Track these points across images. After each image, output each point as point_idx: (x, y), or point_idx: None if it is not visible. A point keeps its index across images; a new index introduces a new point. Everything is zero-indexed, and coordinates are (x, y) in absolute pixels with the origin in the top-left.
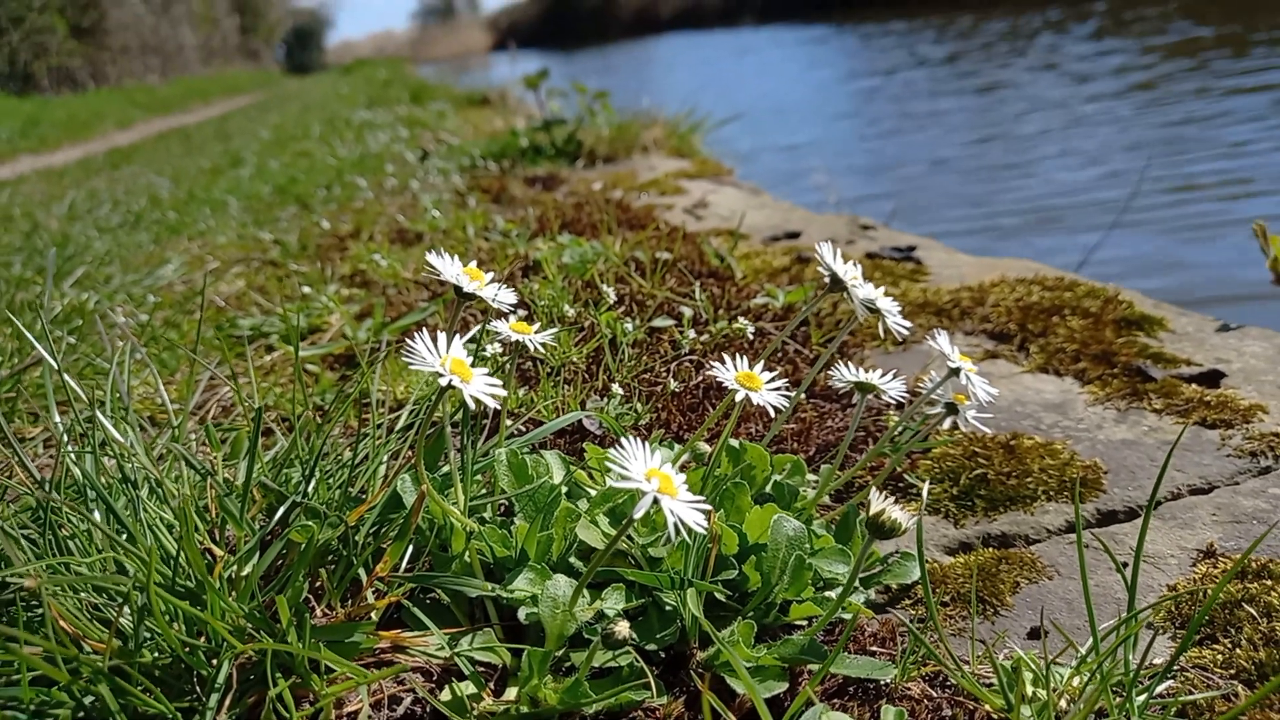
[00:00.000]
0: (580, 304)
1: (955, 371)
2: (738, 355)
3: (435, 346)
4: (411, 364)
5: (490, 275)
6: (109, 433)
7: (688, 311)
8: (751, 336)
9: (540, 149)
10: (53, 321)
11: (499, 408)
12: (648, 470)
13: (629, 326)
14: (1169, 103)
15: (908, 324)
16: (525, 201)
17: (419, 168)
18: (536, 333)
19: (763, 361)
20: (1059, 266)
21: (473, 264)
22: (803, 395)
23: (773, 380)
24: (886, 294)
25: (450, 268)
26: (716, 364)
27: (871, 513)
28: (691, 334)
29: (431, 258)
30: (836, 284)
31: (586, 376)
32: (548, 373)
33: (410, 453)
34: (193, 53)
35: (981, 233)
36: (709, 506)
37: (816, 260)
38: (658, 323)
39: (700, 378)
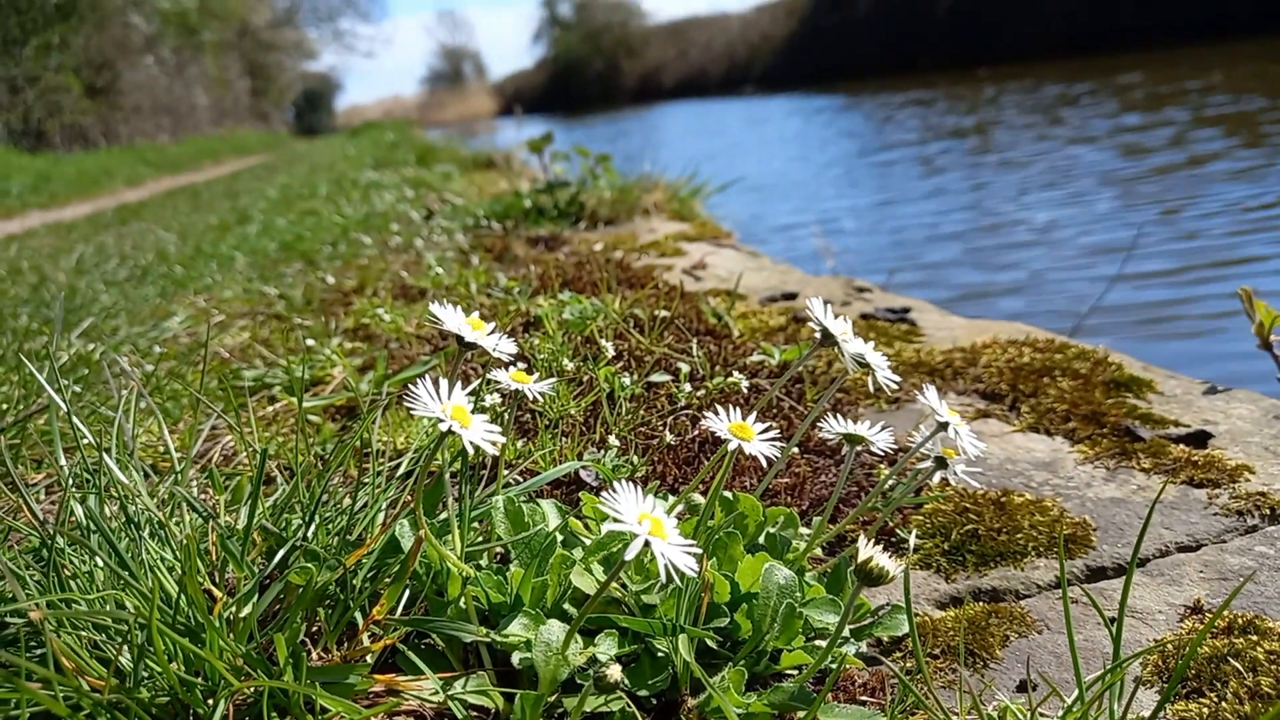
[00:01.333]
0: (579, 359)
1: (944, 426)
2: (732, 408)
3: (437, 394)
4: (414, 410)
5: (491, 327)
6: (114, 475)
7: (685, 367)
8: (746, 391)
9: (543, 210)
10: (59, 370)
11: (497, 456)
12: (640, 514)
13: (626, 381)
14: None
15: (896, 378)
16: (528, 260)
17: (424, 226)
18: (535, 383)
19: (755, 413)
20: (1053, 329)
21: (474, 315)
22: (796, 449)
23: (765, 431)
24: (881, 353)
25: (453, 318)
26: (710, 415)
27: (860, 560)
28: (688, 388)
29: (435, 308)
30: (828, 339)
31: (584, 429)
32: (546, 424)
33: (409, 499)
34: (204, 113)
35: (979, 298)
36: (700, 550)
37: (812, 323)
38: (655, 378)
39: (696, 431)
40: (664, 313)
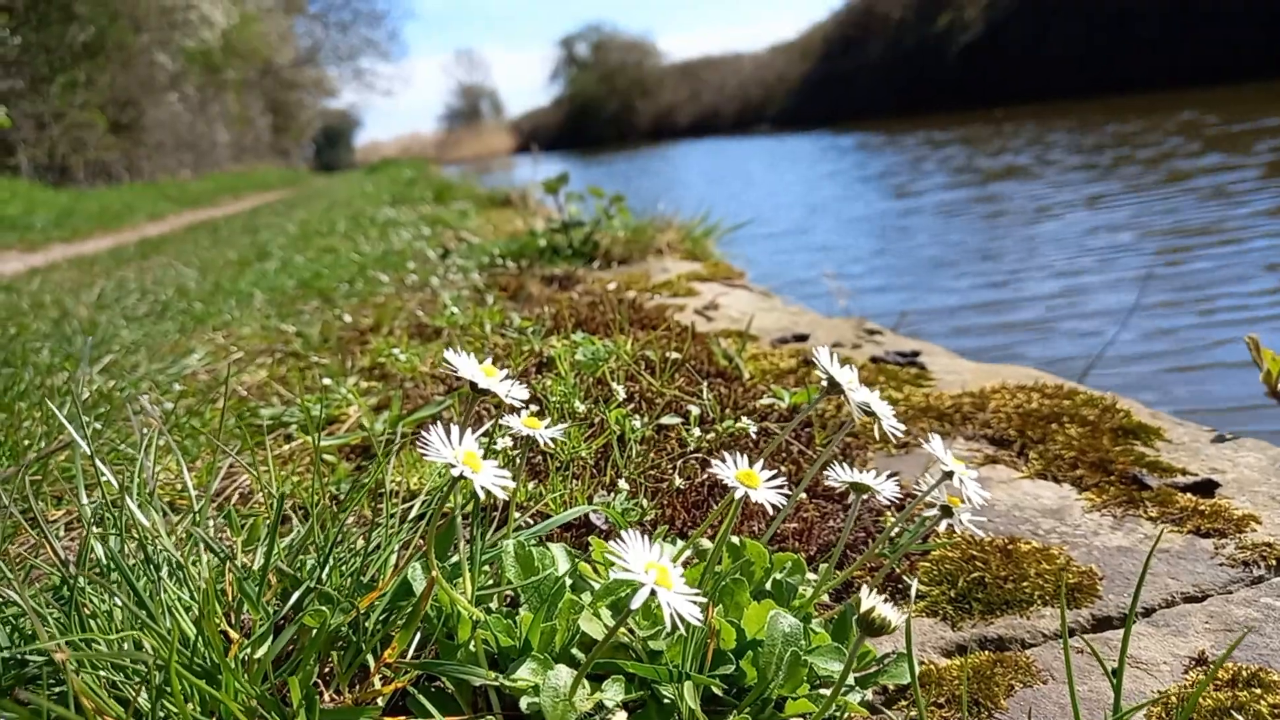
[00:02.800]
0: (591, 400)
1: (949, 474)
2: (740, 454)
3: (449, 439)
4: (426, 455)
5: (505, 372)
6: (134, 515)
7: (695, 410)
8: (755, 436)
9: (558, 249)
10: (81, 407)
11: (508, 500)
12: (647, 563)
13: (637, 424)
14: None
15: (901, 426)
16: (542, 300)
17: (440, 265)
18: (547, 428)
19: (763, 460)
20: (1063, 374)
21: (488, 361)
22: (805, 495)
23: (772, 478)
24: (889, 399)
25: (467, 364)
26: (718, 462)
27: (862, 610)
28: (697, 432)
29: (449, 355)
30: (834, 387)
31: (595, 472)
32: (556, 467)
33: (421, 541)
34: (225, 150)
35: (990, 337)
36: (704, 599)
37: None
38: (665, 420)
39: (705, 475)
40: (675, 354)
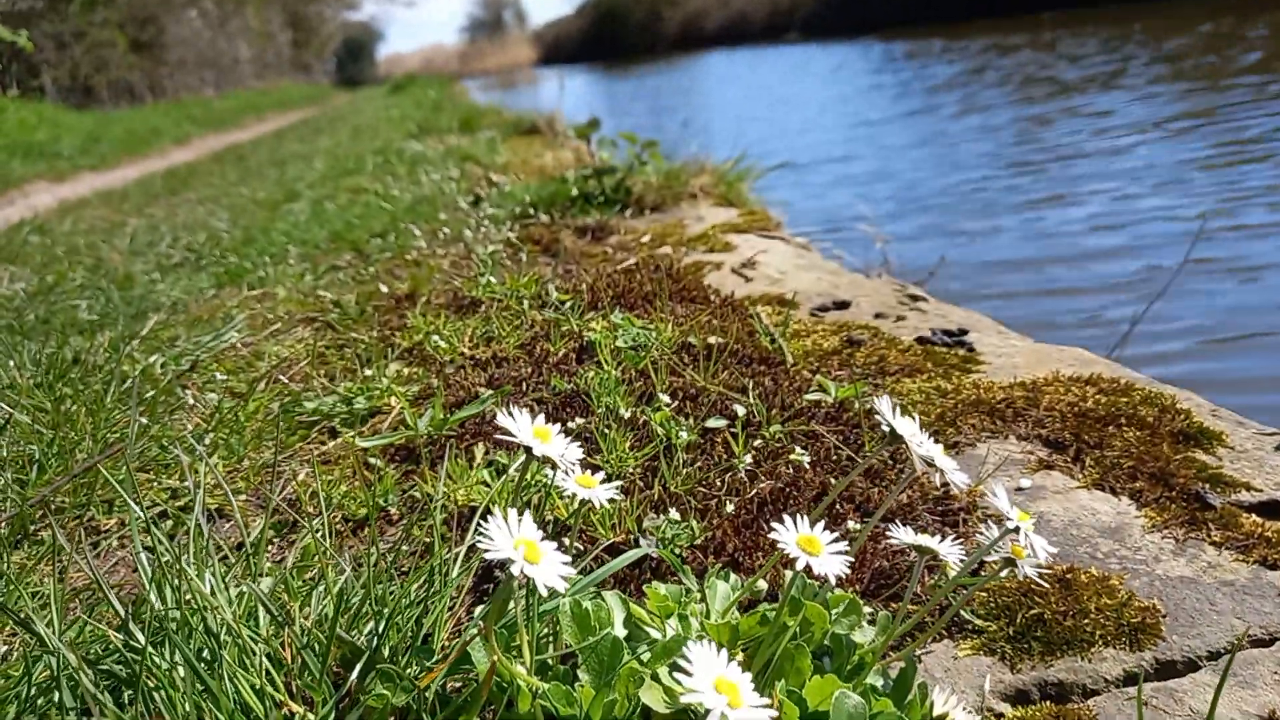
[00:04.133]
0: (634, 397)
1: (1015, 529)
2: (797, 515)
3: (506, 525)
4: (483, 547)
5: (558, 433)
6: (193, 584)
7: (741, 410)
8: (807, 463)
9: (590, 196)
10: (123, 394)
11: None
12: (716, 680)
13: (684, 435)
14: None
15: (967, 479)
16: (575, 253)
17: (471, 215)
18: (600, 486)
19: (821, 510)
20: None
21: (540, 420)
22: (853, 524)
23: (834, 542)
24: (938, 388)
25: (521, 427)
26: (778, 527)
27: (935, 715)
28: (747, 458)
29: (503, 419)
30: (896, 438)
31: (642, 485)
32: (603, 479)
33: (481, 624)
34: (247, 66)
35: (1031, 296)
36: (774, 713)
37: (867, 346)
38: (711, 423)
39: (754, 491)
40: (716, 339)
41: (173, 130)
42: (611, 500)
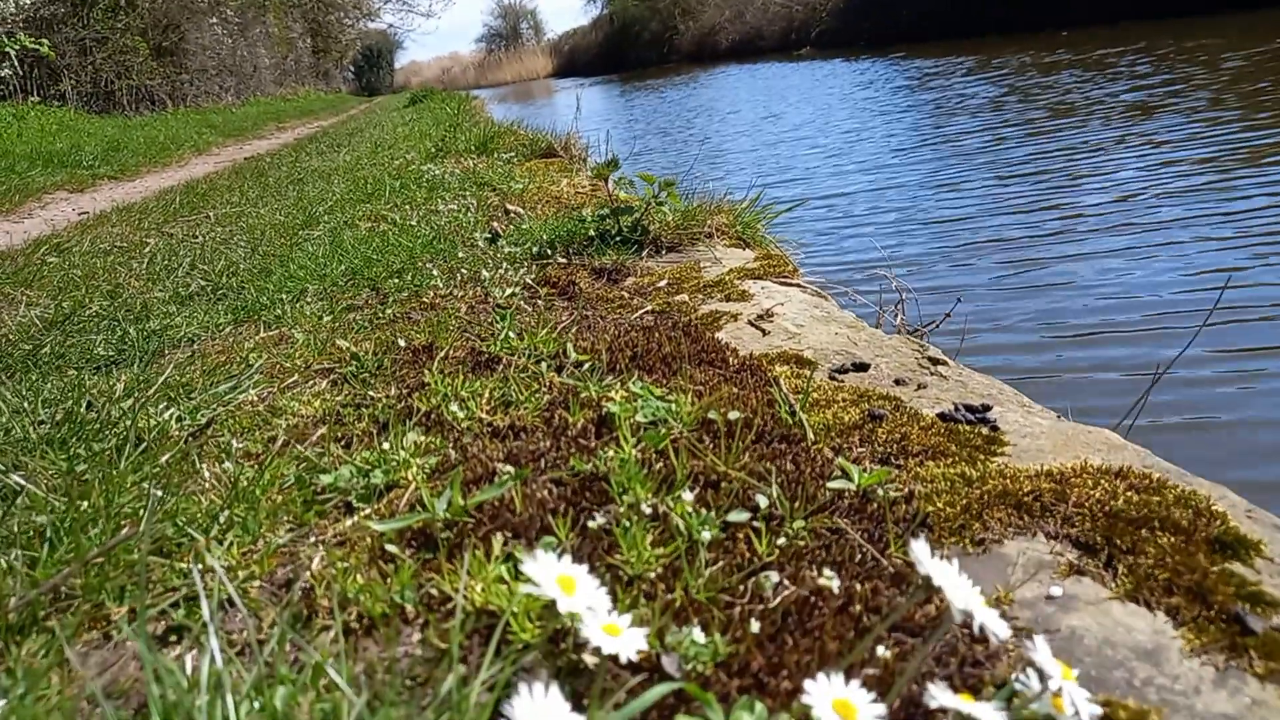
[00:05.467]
0: (655, 481)
1: (1057, 691)
2: (828, 673)
3: (531, 693)
4: None
5: (587, 578)
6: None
7: (763, 502)
8: (835, 587)
9: (607, 236)
10: (138, 460)
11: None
12: None
13: (706, 535)
14: None
15: (1006, 628)
16: (592, 298)
17: (489, 253)
18: (627, 632)
19: (851, 659)
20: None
21: (567, 562)
22: (884, 631)
23: (872, 702)
24: (962, 475)
25: (545, 577)
26: (810, 684)
27: None
28: (771, 575)
29: (529, 566)
30: (932, 588)
31: (664, 587)
32: (625, 581)
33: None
34: (267, 73)
35: (1049, 347)
36: None
37: (889, 421)
38: (733, 516)
39: (778, 600)
40: (736, 413)
41: (193, 139)
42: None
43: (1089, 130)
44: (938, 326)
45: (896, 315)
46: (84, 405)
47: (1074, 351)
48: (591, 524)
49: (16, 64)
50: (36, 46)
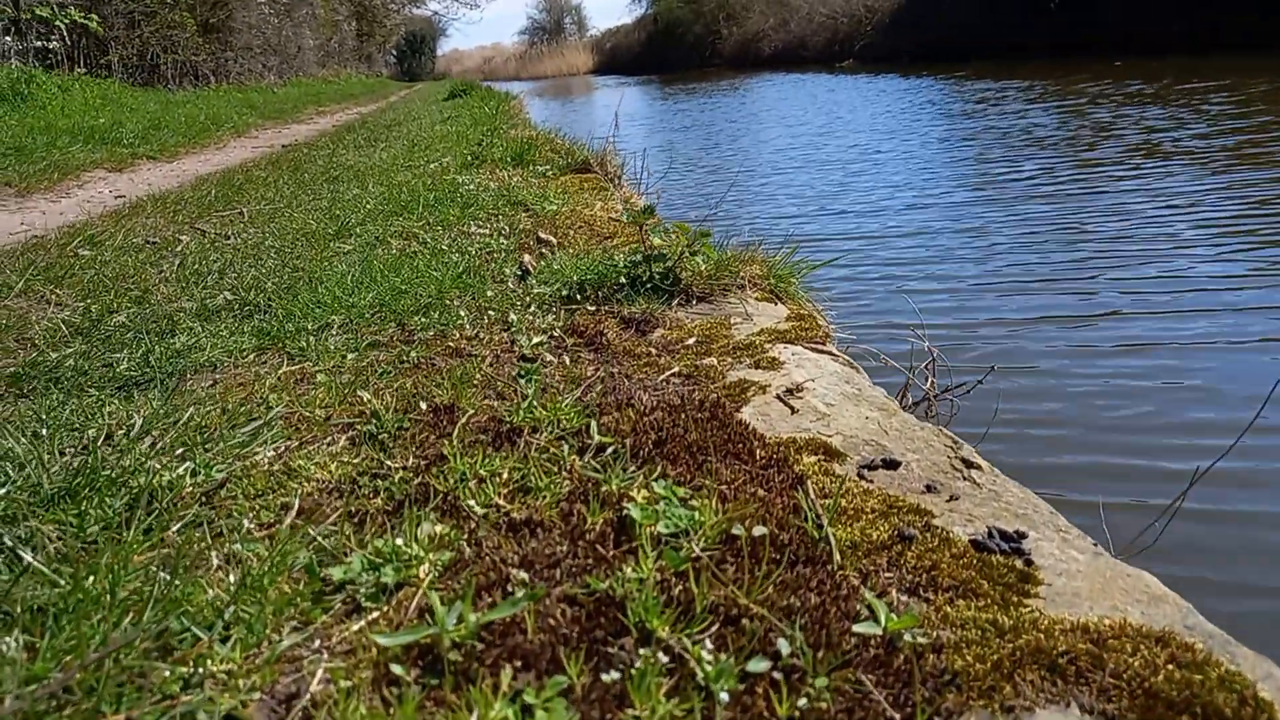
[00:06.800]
0: (674, 609)
1: None
2: None
3: None
4: None
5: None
6: None
7: (784, 647)
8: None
9: (638, 282)
10: (150, 525)
11: None
12: None
13: (724, 694)
14: None
15: None
16: (619, 351)
17: (518, 293)
18: None
19: None
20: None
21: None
22: None
23: None
24: (992, 622)
25: None
26: None
27: None
28: (787, 707)
29: None
30: None
31: None
32: None
33: None
34: (310, 54)
35: (1084, 424)
36: None
37: (918, 544)
38: (752, 666)
39: None
40: (760, 529)
41: (233, 119)
42: None
43: (1175, 178)
44: (969, 392)
45: (927, 378)
46: (102, 438)
47: (1111, 435)
48: (605, 677)
49: (66, 35)
50: (85, 22)
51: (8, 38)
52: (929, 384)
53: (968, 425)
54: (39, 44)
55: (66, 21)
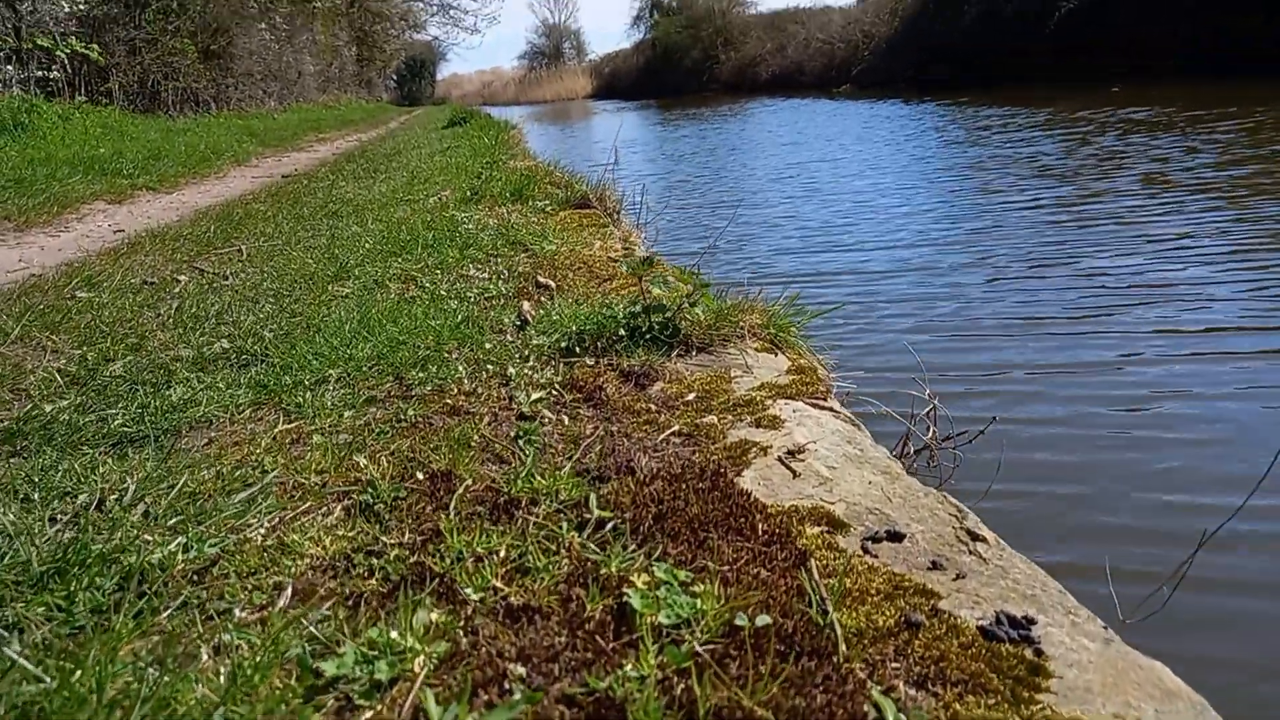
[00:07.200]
0: (675, 715)
1: None
2: None
3: None
4: None
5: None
6: None
7: None
8: None
9: (637, 333)
10: (140, 609)
11: None
12: None
13: None
14: None
15: None
16: (619, 407)
17: (517, 344)
18: None
19: None
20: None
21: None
22: None
23: None
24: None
25: None
26: None
27: None
28: None
29: None
30: None
31: None
32: None
33: None
34: (311, 80)
35: (1089, 479)
36: None
37: (925, 631)
38: None
39: None
40: (764, 618)
41: (233, 148)
42: None
43: (1190, 211)
44: (971, 441)
45: (928, 427)
46: (95, 504)
47: (1120, 491)
48: None
49: (67, 64)
50: (86, 51)
51: (9, 66)
52: (930, 433)
53: (971, 479)
54: (40, 73)
55: (68, 51)
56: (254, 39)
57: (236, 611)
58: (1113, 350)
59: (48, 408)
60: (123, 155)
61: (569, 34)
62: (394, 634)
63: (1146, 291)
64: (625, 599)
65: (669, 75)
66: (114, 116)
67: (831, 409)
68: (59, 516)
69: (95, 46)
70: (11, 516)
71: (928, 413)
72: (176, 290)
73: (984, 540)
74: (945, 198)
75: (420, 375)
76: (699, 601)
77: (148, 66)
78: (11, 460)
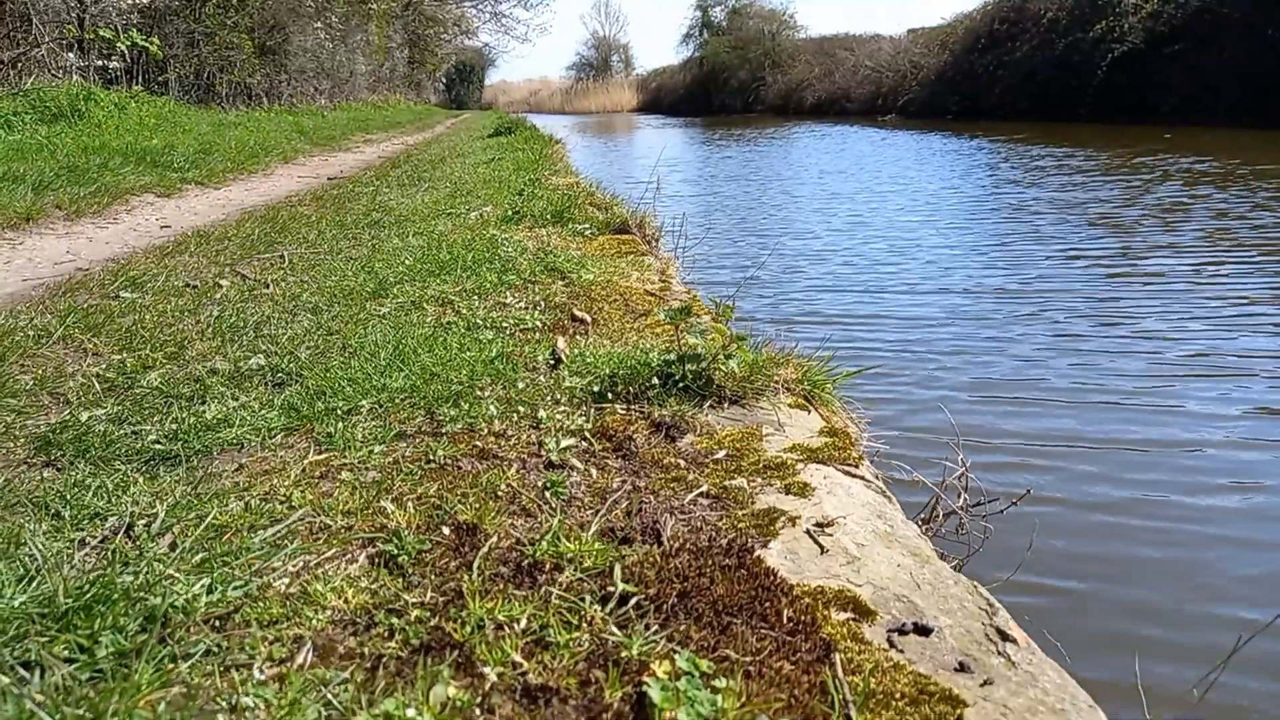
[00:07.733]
0: None
1: None
2: None
3: None
4: None
5: None
6: None
7: None
8: None
9: (670, 380)
10: (161, 656)
11: None
12: None
13: None
14: None
15: None
16: (647, 460)
17: (549, 385)
18: None
19: None
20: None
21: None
22: None
23: None
24: None
25: None
26: None
27: None
28: None
29: None
30: None
31: None
32: None
33: None
34: (362, 79)
35: (1124, 575)
36: None
37: None
38: None
39: None
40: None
41: (282, 145)
42: None
43: (1263, 273)
44: (1002, 512)
45: (959, 494)
46: (123, 529)
47: (1153, 591)
48: None
49: (126, 54)
50: (146, 45)
51: (70, 55)
52: (960, 500)
53: (1001, 552)
54: (100, 62)
55: (128, 44)
56: (309, 37)
57: (255, 668)
58: (1168, 428)
59: (83, 416)
60: (174, 148)
61: (618, 47)
62: (410, 711)
63: (1211, 363)
64: (645, 689)
65: (715, 94)
66: (169, 107)
67: (863, 477)
68: (88, 540)
69: (155, 40)
70: (42, 540)
71: (959, 476)
72: (218, 296)
73: (1014, 641)
74: (999, 241)
75: (452, 412)
76: (720, 699)
77: (204, 59)
78: (45, 472)
